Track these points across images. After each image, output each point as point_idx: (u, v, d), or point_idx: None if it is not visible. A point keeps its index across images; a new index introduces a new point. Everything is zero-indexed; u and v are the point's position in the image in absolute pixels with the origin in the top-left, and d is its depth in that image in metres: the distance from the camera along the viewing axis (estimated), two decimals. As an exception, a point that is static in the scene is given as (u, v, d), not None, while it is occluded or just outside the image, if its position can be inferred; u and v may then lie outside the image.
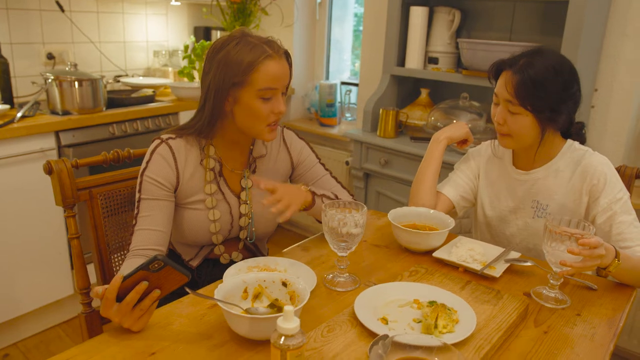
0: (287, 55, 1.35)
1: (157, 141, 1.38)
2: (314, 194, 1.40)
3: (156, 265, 0.93)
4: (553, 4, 2.31)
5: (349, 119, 3.42)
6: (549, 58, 1.38)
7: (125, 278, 0.95)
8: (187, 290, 1.02)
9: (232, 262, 1.49)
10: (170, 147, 1.36)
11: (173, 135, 1.39)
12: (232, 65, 1.27)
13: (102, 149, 2.44)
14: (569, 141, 1.49)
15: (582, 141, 1.50)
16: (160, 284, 0.98)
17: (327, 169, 1.58)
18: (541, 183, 1.49)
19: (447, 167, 1.74)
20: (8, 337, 2.38)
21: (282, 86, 1.32)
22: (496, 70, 1.45)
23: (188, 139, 1.39)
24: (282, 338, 0.82)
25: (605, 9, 2.18)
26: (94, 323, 1.48)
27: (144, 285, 0.96)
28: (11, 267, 2.28)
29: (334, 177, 1.58)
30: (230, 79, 1.28)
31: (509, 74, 1.38)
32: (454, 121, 2.40)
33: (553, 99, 1.36)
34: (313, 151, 1.58)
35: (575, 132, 1.48)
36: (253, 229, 1.48)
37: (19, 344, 2.40)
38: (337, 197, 1.48)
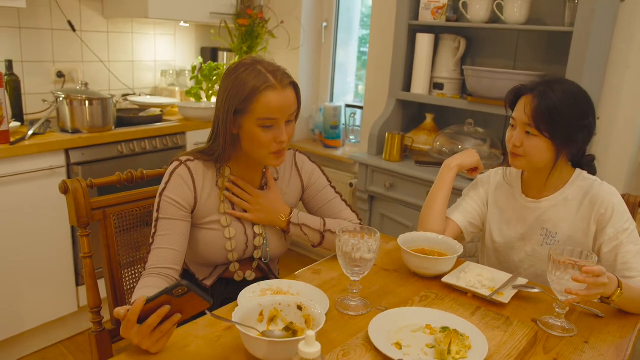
0: (294, 86, 1.36)
1: (176, 162, 1.41)
2: (289, 223, 1.46)
3: (180, 291, 0.95)
4: (556, 34, 2.36)
5: (353, 141, 3.46)
6: (568, 87, 1.43)
7: (148, 301, 0.97)
8: (209, 314, 1.03)
9: (245, 281, 1.52)
10: (189, 169, 1.40)
11: (192, 158, 1.42)
12: (236, 91, 1.31)
13: (110, 167, 2.48)
14: (578, 170, 1.52)
15: (593, 173, 1.53)
16: (181, 309, 1.00)
17: (337, 192, 1.61)
18: (551, 211, 1.52)
19: (456, 193, 1.77)
20: (11, 353, 2.38)
21: (282, 116, 1.33)
22: (514, 95, 1.49)
23: (206, 162, 1.43)
24: (303, 362, 0.83)
25: (608, 40, 2.24)
26: (104, 342, 1.49)
27: (166, 309, 0.98)
28: (15, 284, 2.28)
29: (344, 200, 1.61)
30: (234, 105, 1.31)
31: (529, 98, 1.43)
32: (461, 147, 2.44)
33: (569, 126, 1.40)
34: (324, 174, 1.61)
35: (587, 163, 1.52)
36: (268, 249, 1.51)
37: (21, 361, 2.40)
38: (325, 226, 1.50)
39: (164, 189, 1.38)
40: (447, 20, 2.51)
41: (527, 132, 1.43)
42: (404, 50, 2.60)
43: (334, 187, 1.61)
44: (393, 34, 2.66)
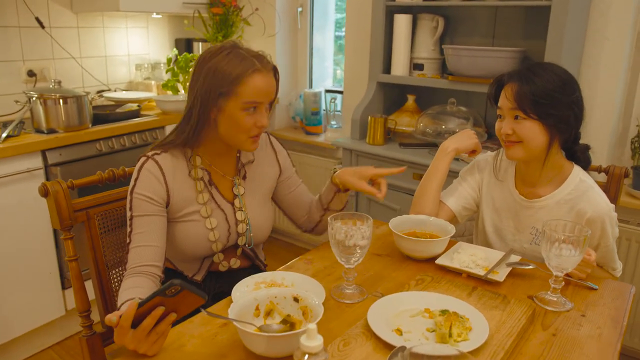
0: (275, 71, 1.37)
1: (143, 158, 1.38)
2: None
3: (173, 290, 0.93)
4: (533, 9, 2.35)
5: (334, 126, 3.43)
6: (549, 67, 1.42)
7: (140, 305, 0.94)
8: (202, 310, 1.01)
9: (230, 270, 1.51)
10: (157, 163, 1.37)
11: (158, 151, 1.39)
12: (220, 74, 1.30)
13: (89, 166, 2.42)
14: (575, 170, 1.49)
15: (587, 163, 1.51)
16: (176, 308, 0.97)
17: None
18: (542, 212, 1.50)
19: (452, 175, 1.74)
20: (-1, 362, 2.33)
21: (267, 100, 1.35)
22: (496, 87, 1.48)
23: (174, 153, 1.40)
24: (306, 356, 0.82)
25: (585, 12, 2.24)
26: (95, 346, 1.46)
27: (160, 310, 0.95)
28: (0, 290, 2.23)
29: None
30: (218, 88, 1.30)
31: (509, 85, 1.42)
32: (444, 127, 2.44)
33: (555, 104, 1.38)
34: (290, 157, 1.64)
35: (581, 151, 1.50)
36: (251, 234, 1.49)
37: (11, 369, 2.35)
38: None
39: (134, 186, 1.35)
40: (424, -1, 2.49)
41: (516, 117, 1.42)
42: (382, 31, 2.57)
43: (296, 171, 1.66)
44: (370, 16, 2.63)
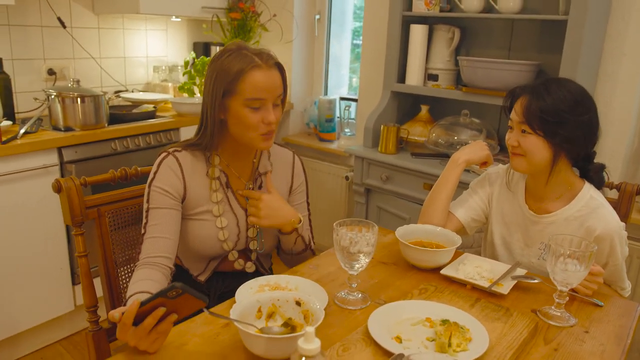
0: (279, 67, 1.38)
1: (164, 154, 1.41)
2: (295, 229, 1.46)
3: (174, 293, 0.94)
4: (551, 23, 2.35)
5: (348, 134, 3.44)
6: (564, 84, 1.41)
7: (142, 304, 0.96)
8: (205, 310, 1.02)
9: (243, 272, 1.52)
10: (177, 159, 1.40)
11: (179, 148, 1.42)
12: (222, 75, 1.33)
13: (104, 164, 2.46)
14: (586, 187, 1.47)
15: (600, 183, 1.50)
16: (177, 309, 0.99)
17: (308, 210, 1.62)
18: (551, 228, 1.49)
19: (462, 187, 1.74)
20: (8, 354, 2.36)
21: (271, 97, 1.35)
22: (511, 99, 1.48)
23: (194, 152, 1.43)
24: (303, 359, 0.82)
25: (602, 28, 2.23)
26: (101, 341, 1.48)
27: (161, 311, 0.97)
28: (11, 284, 2.26)
29: (310, 219, 1.63)
30: (221, 89, 1.33)
31: (522, 98, 1.42)
32: (456, 138, 2.44)
33: (563, 123, 1.37)
34: (307, 189, 1.63)
35: (594, 170, 1.48)
36: (263, 240, 1.50)
37: (19, 361, 2.39)
38: (311, 243, 1.57)
39: (152, 179, 1.38)
40: (441, 10, 2.49)
41: (523, 131, 1.42)
42: (397, 41, 2.58)
43: (308, 203, 1.63)
44: (386, 25, 2.64)
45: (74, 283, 2.49)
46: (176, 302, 0.96)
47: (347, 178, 3.16)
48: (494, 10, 2.34)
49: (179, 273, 1.51)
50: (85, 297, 1.47)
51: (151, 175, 1.40)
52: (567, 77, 1.50)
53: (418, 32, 2.54)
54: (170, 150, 1.42)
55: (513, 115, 1.44)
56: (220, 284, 1.53)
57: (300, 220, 1.46)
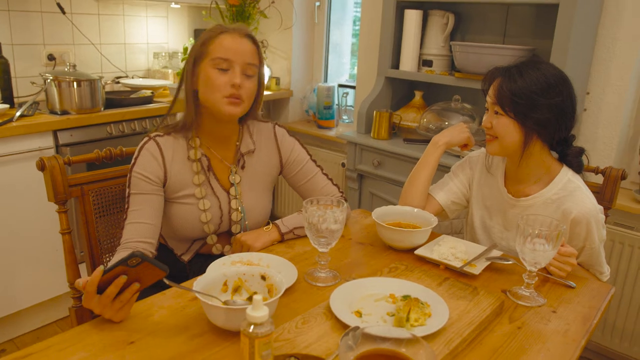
0: (252, 38, 1.42)
1: (145, 139, 1.44)
2: (283, 235, 1.48)
3: (134, 261, 0.97)
4: (546, 8, 2.33)
5: (346, 121, 3.45)
6: (539, 66, 1.40)
7: (105, 272, 0.98)
8: (167, 282, 1.04)
9: (222, 255, 1.53)
10: (157, 144, 1.42)
11: (161, 133, 1.44)
12: (196, 44, 1.39)
13: (99, 148, 2.46)
14: (564, 170, 1.47)
15: (579, 168, 1.49)
16: (139, 278, 1.01)
17: (318, 165, 1.61)
18: (530, 211, 1.49)
19: (443, 170, 1.74)
20: (5, 333, 2.42)
21: (239, 60, 1.37)
22: (488, 82, 1.47)
23: (176, 136, 1.45)
24: (252, 327, 0.84)
25: (596, 13, 2.20)
26: (84, 316, 1.51)
27: (122, 279, 0.99)
28: (8, 264, 2.32)
29: (325, 173, 1.61)
30: (193, 55, 1.39)
31: (497, 80, 1.43)
32: (447, 123, 2.43)
33: (533, 105, 1.37)
34: (304, 148, 1.61)
35: (573, 155, 1.48)
36: (246, 222, 1.52)
37: (16, 340, 2.44)
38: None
39: (133, 165, 1.41)
40: (436, -5, 2.48)
41: (496, 113, 1.43)
42: (391, 26, 2.57)
43: (314, 161, 1.62)
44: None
45: (69, 264, 2.53)
46: (137, 270, 0.99)
47: (343, 165, 3.16)
48: (488, -5, 2.32)
49: (164, 253, 1.54)
50: (69, 273, 1.51)
51: (132, 161, 1.42)
52: (551, 62, 1.49)
53: (412, 18, 2.53)
54: (152, 134, 1.44)
55: (488, 97, 1.44)
56: (203, 265, 1.54)
57: (279, 228, 1.48)
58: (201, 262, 1.54)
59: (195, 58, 1.38)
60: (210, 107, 1.40)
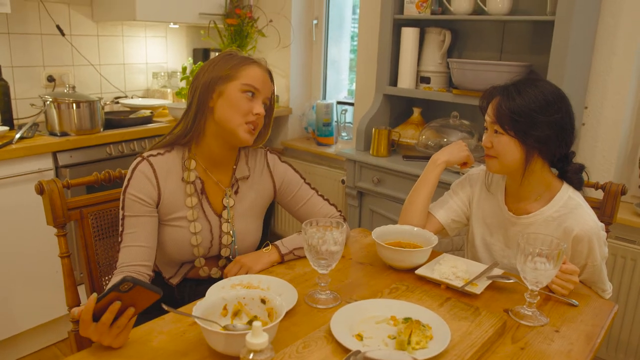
0: (270, 74, 1.46)
1: (138, 159, 1.42)
2: (283, 256, 1.48)
3: (126, 286, 0.96)
4: (542, 24, 2.34)
5: (345, 138, 3.45)
6: (538, 84, 1.40)
7: (98, 299, 0.98)
8: (165, 307, 1.04)
9: (210, 278, 1.52)
10: (151, 164, 1.40)
11: (154, 153, 1.43)
12: (221, 64, 1.40)
13: (98, 169, 2.46)
14: (565, 187, 1.47)
15: (579, 185, 1.49)
16: (133, 302, 1.01)
17: (312, 188, 1.60)
18: (531, 229, 1.48)
19: (443, 187, 1.74)
20: (5, 355, 2.40)
21: (263, 92, 1.41)
22: (487, 100, 1.47)
23: (170, 156, 1.44)
24: (251, 354, 0.83)
25: (592, 28, 2.22)
26: (83, 341, 1.50)
27: (117, 304, 0.99)
28: (8, 286, 2.30)
29: (320, 195, 1.61)
30: (219, 74, 1.38)
31: (495, 98, 1.43)
32: (446, 140, 2.43)
33: (532, 123, 1.37)
34: (297, 172, 1.60)
35: (573, 171, 1.47)
36: (236, 247, 1.50)
37: (16, 363, 2.42)
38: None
39: (126, 186, 1.39)
40: (432, 13, 2.50)
41: (496, 132, 1.42)
42: (389, 44, 2.59)
43: (308, 184, 1.61)
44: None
45: (69, 286, 2.52)
46: (131, 295, 0.98)
47: (343, 182, 3.16)
48: (484, 12, 2.34)
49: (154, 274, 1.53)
50: (68, 297, 1.50)
51: (125, 182, 1.40)
52: (547, 79, 1.50)
53: (409, 35, 2.55)
54: (145, 155, 1.42)
55: (487, 116, 1.45)
56: (194, 289, 1.52)
57: (278, 249, 1.48)
58: (189, 285, 1.53)
59: (221, 77, 1.38)
60: (225, 127, 1.39)
